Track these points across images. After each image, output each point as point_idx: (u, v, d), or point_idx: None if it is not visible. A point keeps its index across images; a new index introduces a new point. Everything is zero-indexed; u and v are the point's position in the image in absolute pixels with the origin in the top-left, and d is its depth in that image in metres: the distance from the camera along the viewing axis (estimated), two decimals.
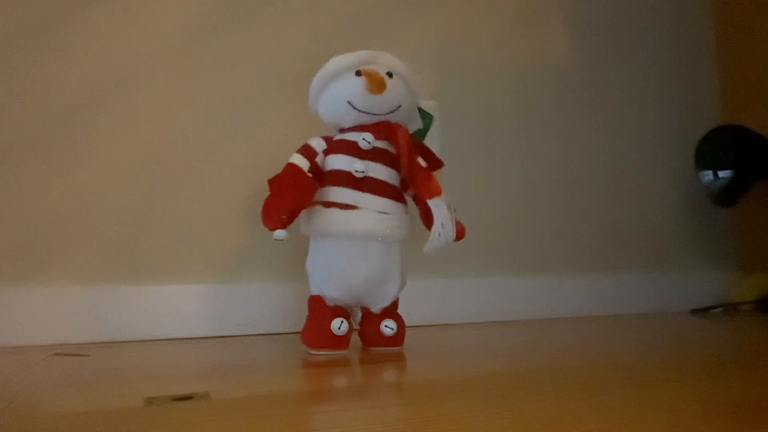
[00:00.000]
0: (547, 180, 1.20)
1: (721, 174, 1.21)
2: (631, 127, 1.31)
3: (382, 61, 0.77)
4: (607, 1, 1.32)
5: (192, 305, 0.91)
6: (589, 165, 1.25)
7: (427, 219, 0.74)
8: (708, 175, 1.23)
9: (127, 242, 0.90)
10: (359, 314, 0.78)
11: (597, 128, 1.27)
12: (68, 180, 0.88)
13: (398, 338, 0.76)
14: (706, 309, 1.22)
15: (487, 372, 0.59)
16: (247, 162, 0.97)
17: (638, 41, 1.34)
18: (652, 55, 1.36)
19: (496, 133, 1.17)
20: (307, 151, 0.76)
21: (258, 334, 0.93)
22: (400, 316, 0.77)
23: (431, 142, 0.84)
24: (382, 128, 0.75)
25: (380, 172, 0.74)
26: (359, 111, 0.75)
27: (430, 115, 0.84)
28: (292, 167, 0.74)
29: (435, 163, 0.78)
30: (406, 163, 0.73)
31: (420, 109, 0.82)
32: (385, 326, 0.74)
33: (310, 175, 0.74)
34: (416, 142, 0.78)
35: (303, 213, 0.76)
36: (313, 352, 0.72)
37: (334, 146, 0.76)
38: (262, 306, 0.94)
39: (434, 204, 0.72)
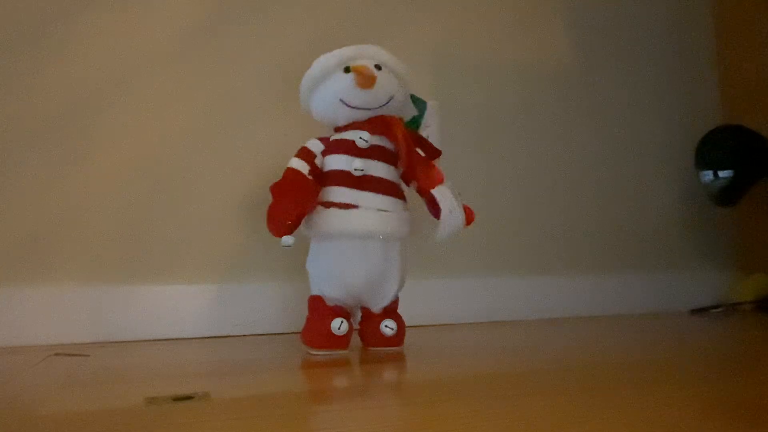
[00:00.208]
0: (547, 180, 1.20)
1: (721, 174, 1.21)
2: (631, 128, 1.31)
3: (369, 54, 0.76)
4: (606, 1, 1.32)
5: (192, 305, 0.91)
6: (589, 165, 1.25)
7: (435, 209, 0.74)
8: (708, 175, 1.23)
9: (128, 242, 0.90)
10: (359, 314, 0.78)
11: (597, 128, 1.27)
12: (68, 180, 0.88)
13: (398, 338, 0.76)
14: (706, 309, 1.22)
15: (487, 372, 0.59)
16: (247, 162, 0.97)
17: (638, 42, 1.34)
18: (651, 55, 1.36)
19: (496, 133, 1.17)
20: (306, 154, 0.76)
21: (258, 334, 0.93)
22: (400, 316, 0.77)
23: (431, 130, 0.84)
24: (378, 124, 0.75)
25: (379, 169, 0.74)
26: (352, 108, 0.75)
27: (424, 101, 0.83)
28: (292, 172, 0.74)
29: (432, 152, 0.78)
30: (404, 156, 0.73)
31: (413, 96, 0.82)
32: (385, 326, 0.74)
33: (310, 177, 0.74)
34: (412, 134, 0.78)
35: None
36: (313, 352, 0.72)
37: (331, 146, 0.76)
38: (262, 306, 0.94)
39: (439, 192, 0.72)
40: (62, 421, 0.42)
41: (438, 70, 1.14)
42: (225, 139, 0.97)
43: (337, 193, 0.73)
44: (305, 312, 0.76)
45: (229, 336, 0.92)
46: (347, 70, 0.74)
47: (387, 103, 0.76)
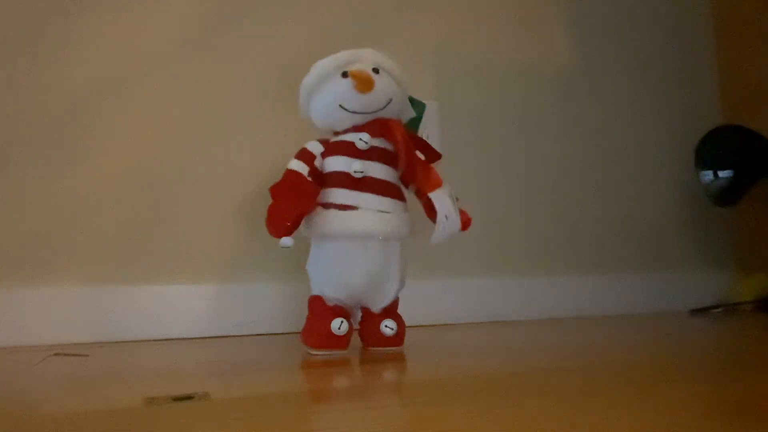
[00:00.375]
0: (547, 180, 1.20)
1: (721, 174, 1.21)
2: (631, 128, 1.31)
3: (366, 58, 0.76)
4: (607, 2, 1.32)
5: (192, 305, 0.91)
6: (589, 165, 1.25)
7: (431, 212, 0.74)
8: (708, 175, 1.23)
9: (128, 242, 0.90)
10: (359, 314, 0.78)
11: (597, 128, 1.27)
12: (68, 181, 0.88)
13: (398, 338, 0.76)
14: (706, 309, 1.22)
15: (487, 372, 0.59)
16: (247, 162, 0.97)
17: (638, 42, 1.34)
18: (651, 55, 1.36)
19: (495, 133, 1.17)
20: (305, 156, 0.76)
21: (258, 334, 0.93)
22: (400, 316, 0.77)
23: (431, 132, 0.84)
24: (378, 126, 0.75)
25: (379, 171, 0.74)
26: (352, 112, 0.75)
27: (423, 102, 0.83)
28: (291, 173, 0.74)
29: (432, 155, 0.78)
30: (404, 158, 0.73)
31: (411, 98, 0.82)
32: (385, 326, 0.74)
33: (310, 179, 0.74)
34: (412, 136, 0.78)
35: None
36: (313, 352, 0.72)
37: (331, 148, 0.76)
38: (262, 306, 0.94)
39: (436, 196, 0.72)
40: (62, 421, 0.42)
41: (438, 70, 1.14)
42: (225, 140, 0.97)
43: (337, 195, 0.73)
44: (305, 312, 0.76)
45: (229, 336, 0.92)
46: (345, 74, 0.74)
47: (386, 106, 0.76)
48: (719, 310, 1.22)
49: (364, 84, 0.73)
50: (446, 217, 0.72)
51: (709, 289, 1.29)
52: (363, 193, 0.73)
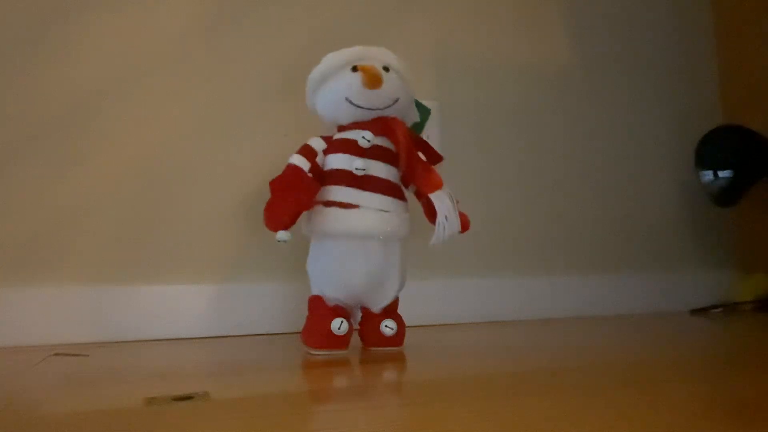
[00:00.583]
0: (547, 180, 1.20)
1: (721, 174, 1.21)
2: (631, 127, 1.31)
3: (378, 55, 0.77)
4: (607, 2, 1.32)
5: (192, 305, 0.91)
6: (589, 165, 1.25)
7: (431, 213, 0.74)
8: (708, 175, 1.23)
9: (128, 242, 0.90)
10: (359, 314, 0.78)
11: (597, 128, 1.27)
12: (68, 181, 0.88)
13: (398, 338, 0.76)
14: (706, 309, 1.22)
15: (487, 372, 0.59)
16: (247, 162, 0.97)
17: (638, 41, 1.34)
18: (651, 55, 1.36)
19: (496, 133, 1.17)
20: (307, 152, 0.76)
21: (258, 334, 0.93)
22: (400, 316, 0.77)
23: (431, 135, 0.84)
24: (381, 125, 0.75)
25: (380, 169, 0.74)
26: (357, 107, 0.75)
27: (428, 108, 0.84)
28: (292, 168, 0.74)
29: (434, 156, 0.78)
30: (405, 158, 0.73)
31: (417, 102, 0.82)
32: (385, 326, 0.74)
33: (310, 175, 0.74)
34: (415, 137, 0.78)
35: (304, 213, 0.76)
36: (313, 352, 0.72)
37: (333, 145, 0.76)
38: (262, 306, 0.94)
39: (436, 197, 0.72)
40: (62, 421, 0.42)
41: (438, 70, 1.14)
42: (225, 140, 0.97)
43: (338, 193, 0.73)
44: (305, 312, 0.76)
45: (229, 336, 0.92)
46: (355, 69, 0.74)
47: (392, 105, 0.76)
48: (719, 310, 1.22)
49: (372, 80, 0.73)
50: (446, 218, 0.72)
51: (709, 289, 1.29)
52: (364, 192, 0.73)
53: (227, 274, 0.94)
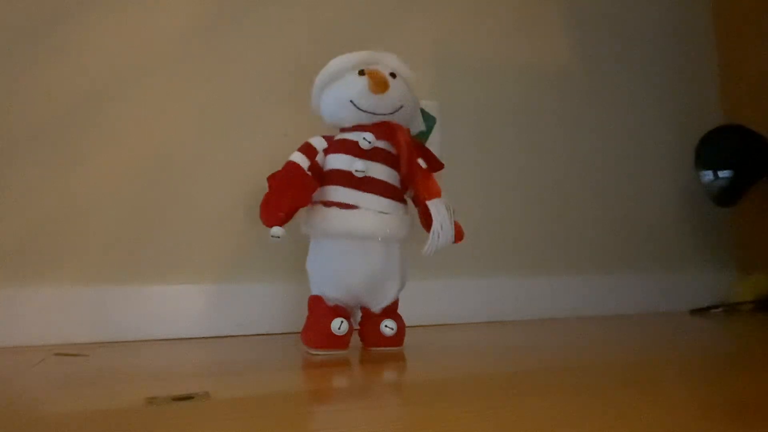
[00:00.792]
0: (546, 180, 1.20)
1: (721, 174, 1.21)
2: (631, 127, 1.31)
3: (386, 61, 0.77)
4: (607, 1, 1.32)
5: (192, 305, 0.91)
6: (589, 165, 1.25)
7: (426, 220, 0.74)
8: (708, 175, 1.23)
9: (128, 242, 0.90)
10: (359, 314, 0.78)
11: (597, 128, 1.27)
12: (67, 181, 0.88)
13: (398, 338, 0.76)
14: (706, 309, 1.22)
15: (487, 372, 0.59)
16: (247, 162, 0.97)
17: (638, 42, 1.34)
18: (652, 55, 1.36)
19: (496, 133, 1.17)
20: (308, 150, 0.76)
21: (258, 334, 0.93)
22: (400, 316, 0.77)
23: (431, 143, 0.84)
24: (383, 128, 0.75)
25: (381, 171, 0.74)
26: (361, 110, 0.75)
27: (434, 117, 0.84)
28: (292, 165, 0.74)
29: (435, 164, 0.78)
30: (405, 163, 0.73)
31: (423, 112, 0.82)
32: (385, 326, 0.74)
33: (309, 173, 0.74)
34: (416, 143, 0.78)
35: (303, 212, 0.76)
36: (313, 352, 0.72)
37: (334, 146, 0.76)
38: (262, 306, 0.94)
39: (433, 205, 0.72)
40: (62, 421, 0.42)
41: (438, 70, 1.14)
42: (225, 140, 0.97)
43: (338, 193, 0.73)
44: (305, 312, 0.76)
45: (229, 336, 0.92)
46: (362, 73, 0.75)
47: (396, 111, 0.76)
48: (719, 310, 1.22)
49: (379, 85, 0.73)
50: (441, 226, 0.72)
51: (709, 289, 1.29)
52: (364, 193, 0.73)
53: (227, 274, 0.94)
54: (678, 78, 1.38)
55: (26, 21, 0.89)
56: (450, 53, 1.15)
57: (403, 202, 0.77)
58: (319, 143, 0.77)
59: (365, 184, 0.73)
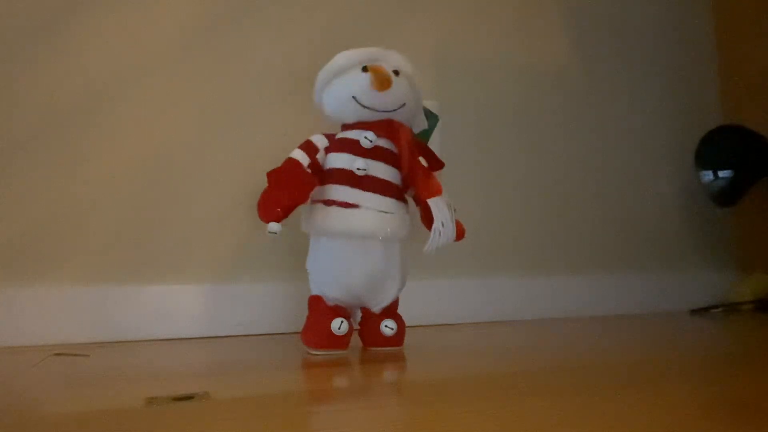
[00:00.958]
0: (546, 180, 1.20)
1: (721, 174, 1.21)
2: (631, 127, 1.31)
3: (389, 58, 0.77)
4: (606, 1, 1.32)
5: (192, 305, 0.91)
6: (589, 165, 1.25)
7: (428, 218, 0.74)
8: (708, 175, 1.23)
9: (127, 242, 0.90)
10: (359, 314, 0.78)
11: (597, 128, 1.27)
12: (68, 181, 0.88)
13: (398, 338, 0.76)
14: (706, 309, 1.22)
15: (487, 372, 0.59)
16: (247, 162, 0.97)
17: (638, 42, 1.34)
18: (652, 55, 1.36)
19: (496, 133, 1.17)
20: (309, 147, 0.76)
21: (258, 334, 0.93)
22: (400, 316, 0.77)
23: (432, 142, 0.84)
24: (384, 126, 0.75)
25: (382, 170, 0.74)
26: (363, 107, 0.75)
27: (436, 116, 0.84)
28: (291, 162, 0.74)
29: (436, 163, 0.78)
30: (406, 162, 0.73)
31: (426, 110, 0.82)
32: (385, 326, 0.74)
33: (309, 171, 0.74)
34: (418, 142, 0.78)
35: (304, 211, 0.76)
36: (313, 352, 0.72)
37: (335, 144, 0.76)
38: (262, 306, 0.94)
39: (434, 203, 0.72)
40: (62, 421, 0.42)
41: (438, 70, 1.14)
42: (225, 140, 0.97)
43: (339, 192, 0.73)
44: (305, 312, 0.76)
45: (229, 336, 0.92)
46: (365, 69, 0.75)
47: (398, 109, 0.76)
48: (719, 310, 1.22)
49: (381, 81, 0.73)
50: (442, 224, 0.72)
51: (709, 289, 1.29)
52: (364, 192, 0.73)
53: (227, 274, 0.94)
54: (678, 78, 1.38)
55: (26, 21, 0.89)
56: (450, 53, 1.15)
57: (404, 201, 0.77)
58: (321, 141, 0.77)
59: (366, 183, 0.73)
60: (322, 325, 0.71)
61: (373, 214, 0.72)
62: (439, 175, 0.77)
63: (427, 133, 0.83)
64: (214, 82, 0.98)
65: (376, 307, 0.76)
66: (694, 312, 1.22)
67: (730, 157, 1.22)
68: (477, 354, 0.72)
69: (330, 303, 0.74)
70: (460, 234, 0.74)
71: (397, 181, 0.76)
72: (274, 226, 0.71)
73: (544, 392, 0.48)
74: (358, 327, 0.78)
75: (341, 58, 0.76)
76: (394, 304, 0.77)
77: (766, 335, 0.87)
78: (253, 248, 0.96)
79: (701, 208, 1.33)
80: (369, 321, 0.76)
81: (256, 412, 0.43)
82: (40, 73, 0.88)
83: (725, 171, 1.21)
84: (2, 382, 0.57)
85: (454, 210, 0.74)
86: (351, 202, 0.72)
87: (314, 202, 0.75)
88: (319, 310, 0.74)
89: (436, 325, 1.03)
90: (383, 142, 0.75)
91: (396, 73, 0.76)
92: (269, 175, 0.73)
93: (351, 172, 0.73)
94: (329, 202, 0.73)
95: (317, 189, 0.75)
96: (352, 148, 0.74)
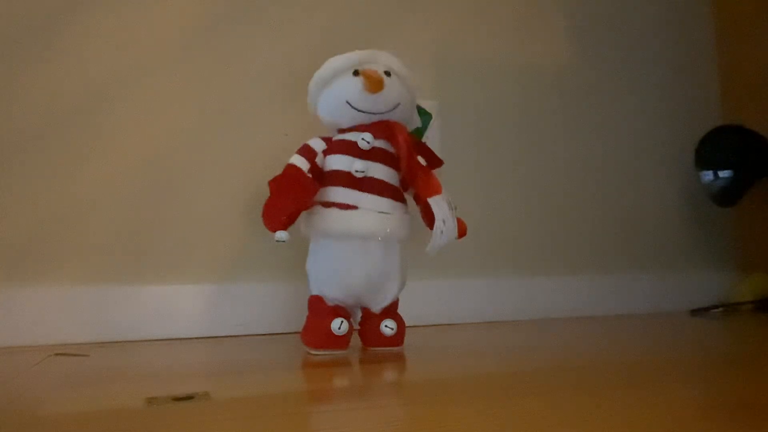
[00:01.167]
0: (546, 180, 1.20)
1: (721, 174, 1.21)
2: (631, 127, 1.31)
3: (380, 60, 0.77)
4: (607, 1, 1.32)
5: (192, 305, 0.91)
6: (589, 165, 1.25)
7: (428, 218, 0.74)
8: (708, 175, 1.23)
9: (127, 242, 0.90)
10: (359, 314, 0.78)
11: (597, 128, 1.27)
12: (68, 180, 0.88)
13: (398, 338, 0.76)
14: (706, 309, 1.22)
15: (487, 372, 0.59)
16: (247, 162, 0.97)
17: (638, 41, 1.34)
18: (652, 55, 1.35)
19: (496, 133, 1.17)
20: (307, 152, 0.76)
21: (258, 334, 0.93)
22: (400, 316, 0.77)
23: (431, 142, 0.84)
24: (382, 127, 0.75)
25: (380, 171, 0.74)
26: (358, 111, 0.75)
27: (429, 113, 0.84)
28: (292, 168, 0.74)
29: (434, 161, 0.78)
30: (405, 162, 0.73)
31: (418, 107, 0.82)
32: (385, 326, 0.74)
33: (310, 175, 0.74)
34: (415, 141, 0.78)
35: (303, 214, 0.76)
36: (313, 352, 0.72)
37: (333, 146, 0.76)
38: (262, 306, 0.94)
39: (435, 202, 0.72)
40: (62, 421, 0.42)
41: (438, 70, 1.14)
42: (225, 140, 0.97)
43: (338, 194, 0.73)
44: (305, 312, 0.76)
45: (229, 336, 0.92)
46: (356, 73, 0.75)
47: (393, 109, 0.76)
48: (719, 310, 1.22)
49: (374, 84, 0.73)
50: (444, 222, 0.72)
51: (709, 289, 1.29)
52: (363, 193, 0.73)
53: (227, 274, 0.94)
54: (678, 78, 1.38)
55: (26, 21, 0.89)
56: (450, 53, 1.15)
57: (403, 201, 0.77)
58: (318, 145, 0.77)
59: (365, 184, 0.73)
60: (322, 325, 0.71)
61: (372, 214, 0.72)
62: (439, 175, 0.77)
63: (420, 131, 0.83)
64: (214, 82, 0.98)
65: (376, 307, 0.76)
66: (694, 312, 1.22)
67: (730, 157, 1.22)
68: (477, 354, 0.72)
69: (330, 303, 0.74)
70: (462, 231, 0.74)
71: (395, 181, 0.76)
72: (281, 234, 0.71)
73: (544, 392, 0.48)
74: (358, 327, 0.78)
75: (331, 64, 0.76)
76: (394, 304, 0.77)
77: (766, 335, 0.87)
78: (253, 248, 0.96)
79: (701, 208, 1.33)
80: (369, 321, 0.76)
81: (256, 412, 0.43)
82: (40, 73, 0.88)
83: (725, 171, 1.21)
84: (2, 382, 0.57)
85: (455, 208, 0.74)
86: (350, 203, 0.72)
87: (314, 204, 0.75)
88: (319, 310, 0.74)
89: (436, 325, 1.03)
90: (381, 143, 0.75)
91: (387, 73, 0.76)
92: (271, 183, 0.73)
93: (349, 173, 0.73)
94: (328, 204, 0.73)
95: (317, 192, 0.75)
96: (351, 149, 0.74)
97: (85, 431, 0.39)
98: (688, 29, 1.41)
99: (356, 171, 0.72)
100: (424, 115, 0.83)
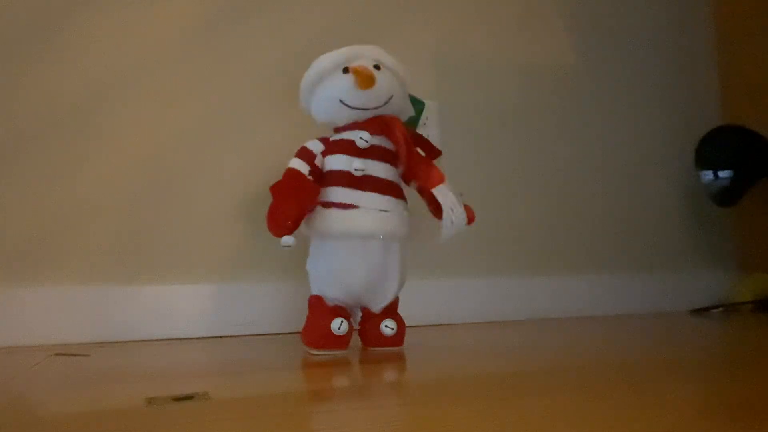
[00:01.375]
0: (546, 180, 1.20)
1: (721, 174, 1.21)
2: (631, 127, 1.31)
3: (368, 54, 0.76)
4: (607, 2, 1.32)
5: (192, 305, 0.91)
6: (589, 165, 1.25)
7: (436, 209, 0.74)
8: (708, 175, 1.23)
9: (128, 243, 0.90)
10: (359, 314, 0.78)
11: (597, 128, 1.27)
12: (68, 180, 0.88)
13: (398, 338, 0.76)
14: (706, 309, 1.22)
15: (487, 372, 0.59)
16: (247, 162, 0.97)
17: (638, 42, 1.34)
18: (652, 55, 1.35)
19: (496, 133, 1.17)
20: (306, 154, 0.76)
21: (258, 334, 0.93)
22: (400, 316, 0.77)
23: (431, 134, 0.83)
24: (378, 124, 0.75)
25: (379, 169, 0.74)
26: (353, 108, 0.75)
27: (422, 101, 0.83)
28: (292, 172, 0.74)
29: (433, 152, 0.78)
30: (405, 156, 0.73)
31: (411, 96, 0.82)
32: (385, 326, 0.74)
33: (310, 178, 0.74)
34: (413, 133, 0.78)
35: None
36: (313, 352, 0.72)
37: (331, 147, 0.76)
38: (262, 306, 0.94)
39: (440, 191, 0.72)
40: (62, 421, 0.42)
41: (438, 70, 1.14)
42: (225, 140, 0.97)
43: (338, 194, 0.73)
44: (305, 312, 0.76)
45: (229, 336, 0.92)
46: (346, 70, 0.74)
47: (386, 102, 0.76)
48: (719, 310, 1.22)
49: (364, 80, 0.73)
50: (452, 209, 0.71)
51: (709, 289, 1.29)
52: (363, 192, 0.73)
53: (227, 274, 0.94)
54: (678, 78, 1.38)
55: (26, 21, 0.88)
56: (450, 53, 1.15)
57: (403, 198, 0.77)
58: (316, 146, 0.76)
59: (364, 183, 0.73)
60: (322, 325, 0.71)
61: (373, 213, 0.72)
62: (440, 165, 0.76)
63: (414, 120, 0.83)
64: (214, 82, 0.98)
65: (376, 307, 0.76)
66: (694, 312, 1.22)
67: (730, 157, 1.22)
68: (477, 354, 0.72)
69: (330, 303, 0.74)
70: (471, 217, 0.74)
71: (394, 178, 0.76)
72: (287, 239, 0.71)
73: (544, 392, 0.48)
74: (358, 327, 0.78)
75: (320, 64, 0.76)
76: (394, 304, 0.77)
77: (766, 335, 0.87)
78: (253, 248, 0.96)
79: (701, 208, 1.33)
80: (369, 321, 0.76)
81: (256, 412, 0.43)
82: (40, 73, 0.88)
83: (725, 171, 1.21)
84: (2, 382, 0.57)
85: (461, 195, 0.74)
86: (349, 203, 0.72)
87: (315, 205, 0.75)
88: (319, 310, 0.74)
89: (436, 325, 1.03)
90: (379, 140, 0.75)
91: (377, 67, 0.75)
92: (272, 189, 0.73)
93: (349, 173, 0.73)
94: (328, 204, 0.73)
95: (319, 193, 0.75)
96: (349, 149, 0.74)
97: (85, 431, 0.39)
98: (688, 29, 1.41)
99: (355, 170, 0.72)
100: (417, 103, 0.83)
